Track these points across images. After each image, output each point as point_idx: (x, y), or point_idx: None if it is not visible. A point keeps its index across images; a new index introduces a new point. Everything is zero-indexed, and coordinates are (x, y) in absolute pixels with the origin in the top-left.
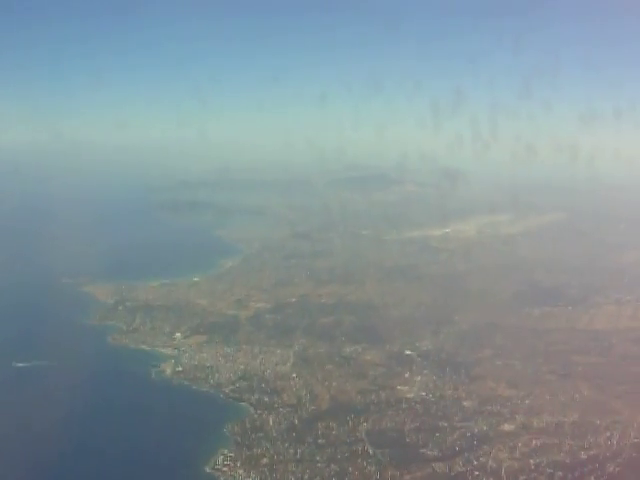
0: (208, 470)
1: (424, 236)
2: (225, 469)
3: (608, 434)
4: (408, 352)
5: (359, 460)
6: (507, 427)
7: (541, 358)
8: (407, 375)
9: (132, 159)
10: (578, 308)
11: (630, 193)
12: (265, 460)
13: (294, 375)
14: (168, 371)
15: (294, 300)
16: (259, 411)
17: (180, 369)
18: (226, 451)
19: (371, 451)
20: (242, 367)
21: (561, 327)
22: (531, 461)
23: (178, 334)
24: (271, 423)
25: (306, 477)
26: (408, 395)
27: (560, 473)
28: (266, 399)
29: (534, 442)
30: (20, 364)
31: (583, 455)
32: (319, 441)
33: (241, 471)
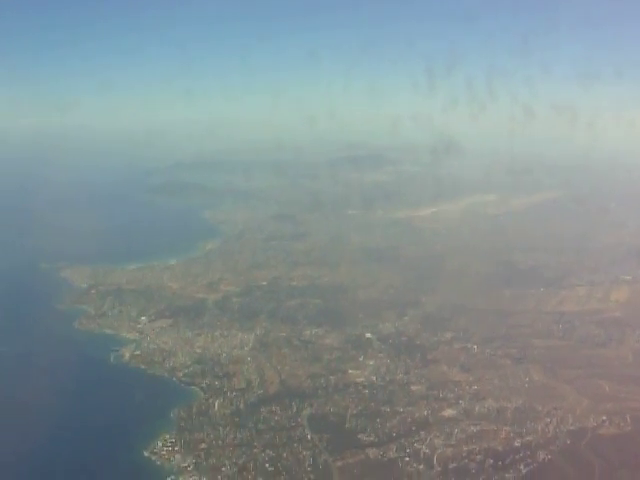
0: (146, 454)
1: (410, 216)
2: (163, 453)
3: (547, 420)
4: (368, 335)
5: (295, 445)
6: (449, 413)
7: (500, 341)
8: (361, 359)
9: (127, 141)
10: (550, 290)
11: (630, 171)
12: (203, 445)
13: (249, 359)
14: (127, 355)
15: (265, 283)
16: (207, 395)
17: (138, 353)
18: (168, 435)
19: (309, 436)
20: (199, 351)
21: (528, 309)
22: (465, 448)
23: (143, 318)
24: (216, 407)
25: (240, 462)
26: (358, 379)
27: (491, 460)
28: (216, 383)
29: (472, 428)
30: None
31: (517, 442)
32: (259, 426)
33: (178, 455)
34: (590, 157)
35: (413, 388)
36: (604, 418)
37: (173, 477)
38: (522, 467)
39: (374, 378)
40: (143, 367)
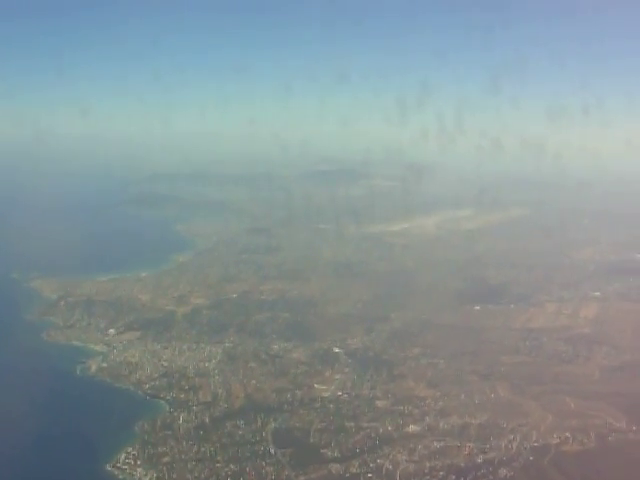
0: (109, 468)
1: (382, 232)
2: (125, 467)
3: (511, 437)
4: (336, 350)
5: (258, 460)
6: (413, 428)
7: (468, 357)
8: (328, 374)
9: (99, 152)
10: (520, 306)
11: (596, 189)
12: (166, 459)
13: (216, 372)
14: (93, 368)
15: (234, 296)
16: (172, 409)
17: (105, 365)
18: (130, 449)
19: (273, 451)
20: (166, 364)
21: (497, 325)
22: (427, 464)
23: (112, 330)
24: (181, 421)
25: (203, 477)
26: (324, 394)
27: (453, 477)
28: (182, 396)
29: (435, 444)
30: None
31: (480, 459)
32: (223, 440)
33: (140, 469)
34: (561, 174)
35: (378, 403)
36: (567, 435)
37: None
38: None
39: (340, 393)
40: (109, 380)
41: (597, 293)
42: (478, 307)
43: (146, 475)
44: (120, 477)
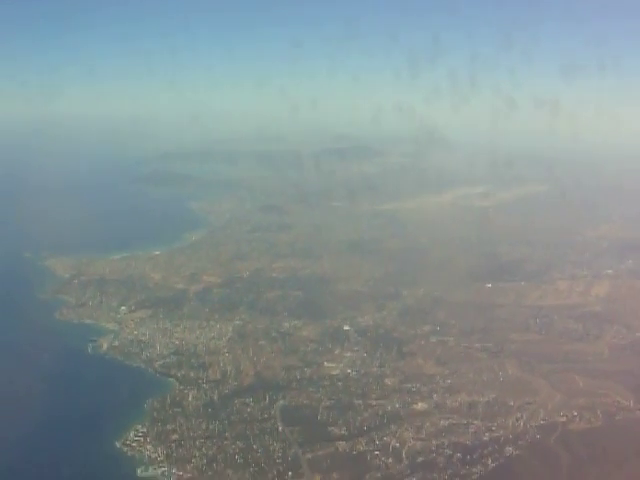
0: (118, 445)
1: (395, 209)
2: (134, 444)
3: (518, 415)
4: (347, 327)
5: (266, 437)
6: (420, 406)
7: (478, 335)
8: (337, 351)
9: (114, 130)
10: (531, 283)
11: (614, 164)
12: (175, 436)
13: (226, 350)
14: (105, 346)
15: (246, 274)
16: (182, 386)
17: (116, 344)
18: (140, 426)
19: (280, 429)
20: (177, 342)
21: (508, 303)
22: (434, 442)
23: (123, 308)
24: (190, 399)
25: (210, 453)
26: (333, 372)
27: (459, 454)
28: (192, 374)
29: (442, 422)
30: None
31: (486, 437)
32: (232, 418)
33: (149, 447)
34: (577, 150)
35: (387, 381)
36: (575, 413)
37: (143, 468)
38: (490, 462)
39: (349, 371)
40: (120, 358)
41: (609, 271)
42: (490, 284)
43: (155, 452)
44: (129, 454)
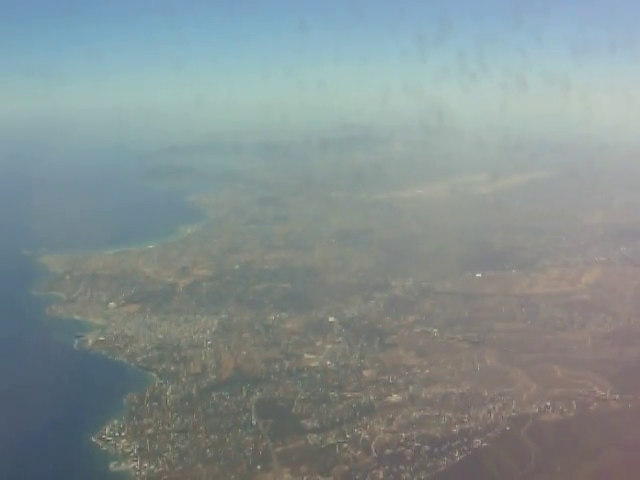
0: (94, 439)
1: (393, 198)
2: (109, 439)
3: (491, 406)
4: (331, 319)
5: (240, 431)
6: (395, 398)
7: (462, 325)
8: (319, 343)
9: (123, 125)
10: (522, 271)
11: (618, 149)
12: (150, 430)
13: (208, 344)
14: (90, 341)
15: (237, 267)
16: (162, 381)
17: (102, 339)
18: (117, 421)
19: (254, 422)
20: (161, 336)
21: (496, 292)
22: (404, 434)
23: (112, 304)
24: (169, 393)
25: (183, 447)
26: (312, 364)
27: (427, 447)
28: (173, 368)
29: (414, 414)
30: None
31: (456, 429)
32: (208, 411)
33: (124, 441)
34: (583, 134)
35: (365, 373)
36: (548, 404)
37: (116, 462)
38: (457, 454)
39: (328, 363)
40: (104, 353)
41: (602, 258)
42: (480, 274)
43: (129, 447)
44: (104, 448)
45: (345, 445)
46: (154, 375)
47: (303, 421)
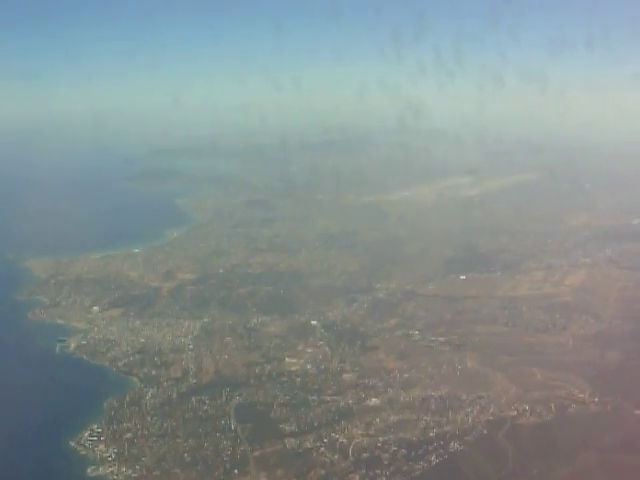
0: (72, 444)
1: (380, 200)
2: (88, 444)
3: (469, 410)
4: (314, 322)
5: (218, 435)
6: (374, 402)
7: (444, 328)
8: (300, 347)
9: (108, 128)
10: (506, 274)
11: (604, 150)
12: (129, 435)
13: (190, 348)
14: (72, 346)
15: (222, 271)
16: (143, 385)
17: (84, 343)
18: (96, 425)
19: (233, 426)
20: (143, 340)
21: (479, 294)
22: (381, 438)
23: (95, 308)
24: (149, 397)
25: (161, 452)
26: (293, 368)
27: (404, 451)
28: (154, 373)
29: (392, 418)
30: None
31: (433, 433)
32: (187, 415)
33: (102, 446)
34: (565, 135)
35: (345, 377)
36: (526, 407)
37: (94, 467)
38: (433, 458)
39: (309, 366)
40: (86, 357)
41: (587, 260)
42: (464, 276)
43: (107, 451)
44: (82, 453)
45: (322, 449)
46: (135, 379)
47: (282, 425)
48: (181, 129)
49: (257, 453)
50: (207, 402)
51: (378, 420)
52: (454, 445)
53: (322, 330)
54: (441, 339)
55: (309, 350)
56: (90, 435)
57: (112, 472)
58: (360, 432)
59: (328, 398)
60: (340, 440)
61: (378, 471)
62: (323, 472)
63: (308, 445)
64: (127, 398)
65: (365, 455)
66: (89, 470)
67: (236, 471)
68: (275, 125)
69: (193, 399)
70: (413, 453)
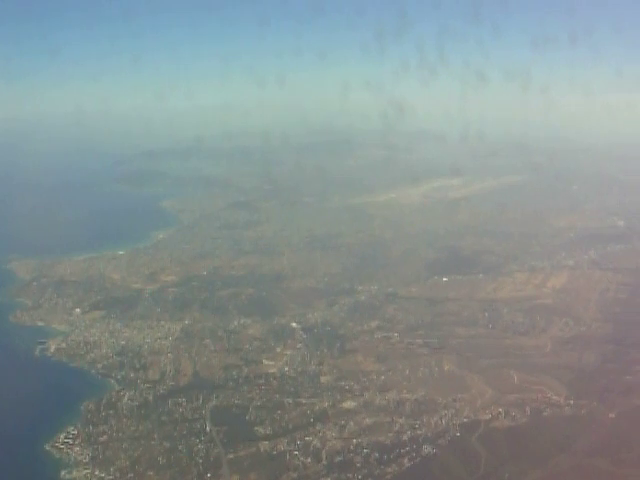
0: (47, 447)
1: (366, 203)
2: (63, 446)
3: (444, 413)
4: (294, 325)
5: (193, 438)
6: (349, 404)
7: (423, 330)
8: (279, 349)
9: (100, 130)
10: (489, 276)
11: (591, 149)
12: (104, 438)
13: (169, 350)
14: (52, 348)
15: (204, 273)
16: (120, 387)
17: (64, 346)
18: (72, 428)
19: (208, 429)
20: (123, 343)
21: (461, 296)
22: (354, 441)
23: (77, 310)
24: (126, 400)
25: (136, 455)
26: (271, 370)
27: (376, 454)
28: (132, 375)
29: (367, 421)
30: None
31: (406, 436)
32: (162, 418)
33: (77, 448)
34: (552, 136)
35: (322, 379)
36: (500, 410)
37: (68, 470)
38: (405, 461)
39: (286, 369)
40: (65, 360)
41: (570, 262)
42: (446, 278)
43: (81, 454)
44: (56, 456)
45: (296, 452)
46: (113, 382)
47: (256, 428)
48: (166, 130)
49: (231, 456)
50: (183, 405)
51: (352, 423)
52: (427, 448)
53: (302, 332)
54: (420, 341)
55: (288, 352)
56: (65, 438)
57: (86, 475)
58: (334, 435)
59: (304, 401)
60: (314, 443)
61: (350, 475)
62: (295, 475)
63: (282, 448)
64: (104, 401)
65: (338, 458)
66: (63, 473)
67: (209, 474)
68: (260, 126)
69: (170, 402)
70: (386, 456)
